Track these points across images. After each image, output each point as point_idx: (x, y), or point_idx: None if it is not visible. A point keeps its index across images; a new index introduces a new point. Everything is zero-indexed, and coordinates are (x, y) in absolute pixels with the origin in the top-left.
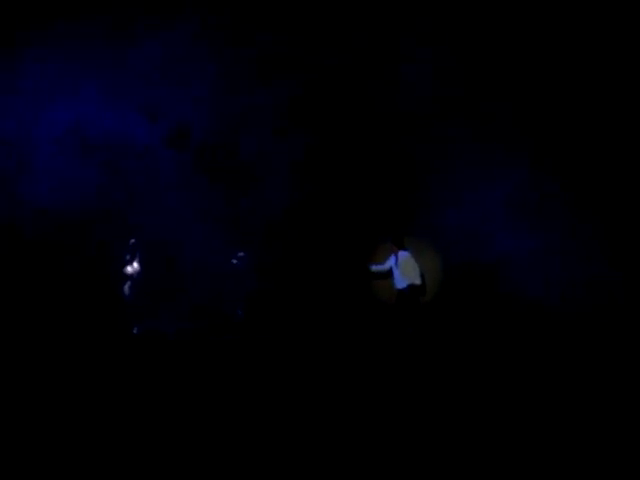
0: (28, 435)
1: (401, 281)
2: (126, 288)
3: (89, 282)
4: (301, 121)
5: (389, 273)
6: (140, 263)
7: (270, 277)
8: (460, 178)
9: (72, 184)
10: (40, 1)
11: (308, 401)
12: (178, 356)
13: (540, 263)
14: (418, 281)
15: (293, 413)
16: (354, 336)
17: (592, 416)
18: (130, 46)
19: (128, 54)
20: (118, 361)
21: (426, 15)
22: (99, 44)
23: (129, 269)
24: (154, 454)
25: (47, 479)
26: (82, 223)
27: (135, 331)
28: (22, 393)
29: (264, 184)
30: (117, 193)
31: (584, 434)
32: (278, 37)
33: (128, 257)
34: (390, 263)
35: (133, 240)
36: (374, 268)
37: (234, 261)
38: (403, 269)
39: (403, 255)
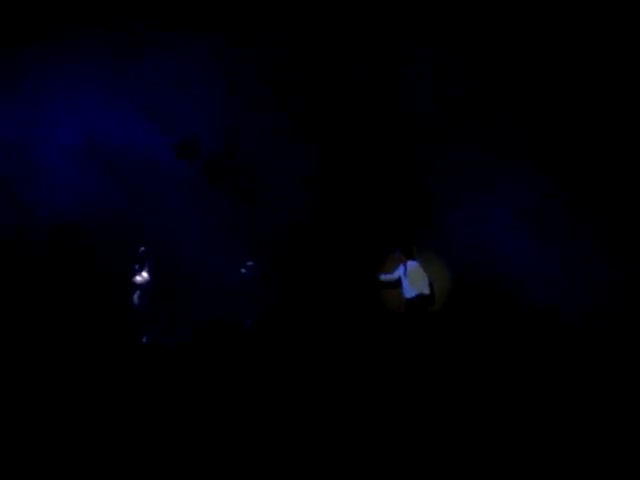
0: (36, 441)
1: (410, 291)
2: (135, 297)
3: (98, 291)
4: (309, 130)
5: (398, 283)
6: (149, 272)
7: (279, 286)
8: (469, 189)
9: (85, 194)
10: (44, 6)
11: (318, 410)
12: (187, 365)
13: (553, 274)
14: (427, 291)
15: (303, 422)
16: (363, 345)
17: (599, 421)
18: (135, 51)
19: (133, 58)
20: (127, 370)
21: (430, 15)
22: (103, 49)
23: (138, 278)
24: (164, 462)
25: None
26: (91, 232)
27: (144, 340)
28: (30, 400)
29: (273, 193)
30: (129, 204)
31: (591, 437)
32: (289, 50)
33: (137, 266)
34: (399, 273)
35: (143, 248)
36: (383, 277)
37: (243, 270)
38: (412, 279)
39: (412, 265)
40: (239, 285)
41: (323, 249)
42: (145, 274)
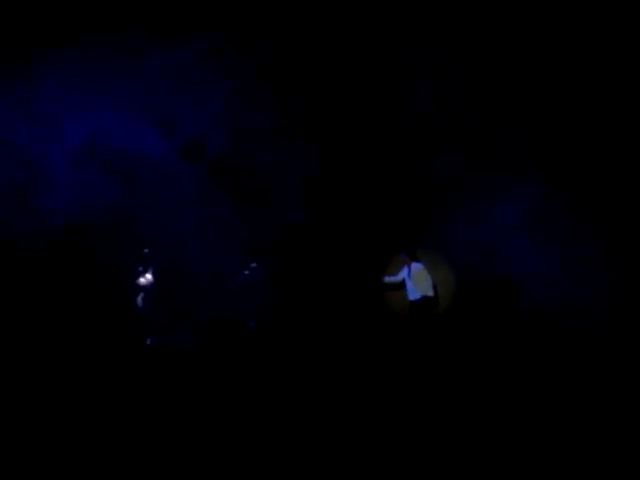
0: (40, 445)
1: (414, 293)
2: (139, 299)
3: (102, 293)
4: (314, 134)
5: (402, 285)
6: (153, 274)
7: (283, 288)
8: (471, 190)
9: (88, 196)
10: (45, 6)
11: (321, 412)
12: (190, 367)
13: (553, 274)
14: (431, 293)
15: (306, 424)
16: (367, 347)
17: (599, 421)
18: (146, 59)
19: (144, 67)
20: (131, 372)
21: (430, 16)
22: (115, 58)
23: (142, 280)
24: (166, 464)
25: None
26: (96, 234)
27: (148, 342)
28: (35, 402)
29: (277, 196)
30: (130, 205)
31: (591, 437)
32: (289, 50)
33: (141, 268)
34: (403, 275)
35: (146, 250)
36: (387, 279)
37: (246, 272)
38: (416, 281)
39: (416, 267)
40: (242, 286)
41: (326, 250)
42: (149, 276)
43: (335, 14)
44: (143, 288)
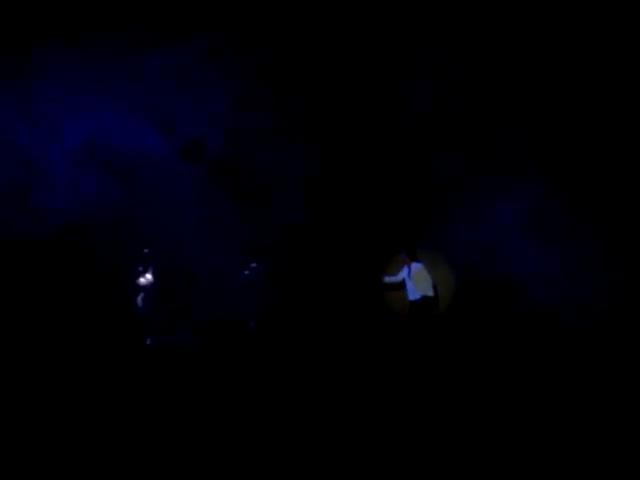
0: (41, 442)
1: (414, 293)
2: (139, 299)
3: (102, 293)
4: (314, 134)
5: (402, 284)
6: (153, 274)
7: (283, 288)
8: (471, 190)
9: (87, 196)
10: (45, 6)
11: (321, 412)
12: (190, 367)
13: (553, 274)
14: (431, 293)
15: (306, 424)
16: (367, 347)
17: (599, 420)
18: (146, 59)
19: (144, 67)
20: (131, 372)
21: (430, 16)
22: (115, 58)
23: (142, 280)
24: (166, 464)
25: None
26: (96, 234)
27: (148, 342)
28: (36, 402)
29: (277, 196)
30: (131, 205)
31: (592, 437)
32: (289, 50)
33: (141, 268)
34: (403, 275)
35: (146, 250)
36: (387, 279)
37: (246, 272)
38: (416, 281)
39: (416, 267)
40: (242, 286)
41: (326, 250)
42: (149, 275)
43: (335, 14)
44: (143, 288)
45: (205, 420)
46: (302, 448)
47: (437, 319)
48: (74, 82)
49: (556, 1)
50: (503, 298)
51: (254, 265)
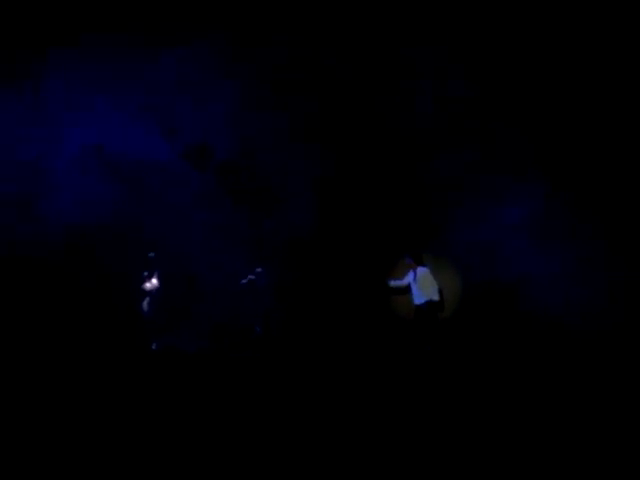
0: (47, 446)
1: (419, 297)
2: (145, 304)
3: (108, 298)
4: (309, 130)
5: (407, 289)
6: (159, 279)
7: (288, 293)
8: (477, 195)
9: (92, 200)
10: (45, 6)
11: (327, 417)
12: (196, 372)
13: (559, 280)
14: (436, 297)
15: (310, 429)
16: (372, 352)
17: (599, 420)
18: (149, 63)
19: (147, 71)
20: (137, 376)
21: (429, 15)
22: (118, 61)
23: (148, 285)
24: (172, 466)
25: None
26: (102, 239)
27: (154, 347)
28: (41, 407)
29: (282, 200)
30: (136, 209)
31: (592, 437)
32: (286, 47)
33: (146, 273)
34: (408, 279)
35: (152, 254)
36: (392, 284)
37: (251, 276)
38: (421, 285)
39: (421, 271)
40: (248, 291)
41: (332, 254)
42: (155, 280)
43: (335, 14)
44: (149, 293)
45: (212, 425)
46: (308, 453)
47: (443, 324)
48: (76, 86)
49: (556, 1)
50: (503, 298)
51: (259, 270)
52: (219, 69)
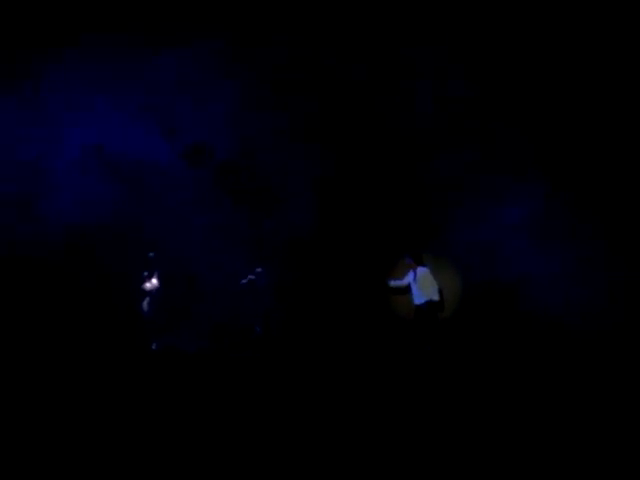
0: (48, 447)
1: (419, 297)
2: (145, 304)
3: (108, 298)
4: (309, 130)
5: (407, 289)
6: (159, 279)
7: (288, 293)
8: (477, 195)
9: (92, 201)
10: (45, 7)
11: (326, 417)
12: (196, 372)
13: (559, 280)
14: (436, 297)
15: (311, 429)
16: (372, 352)
17: (599, 420)
18: (149, 63)
19: (147, 71)
20: (137, 377)
21: (429, 15)
22: (118, 61)
23: (148, 285)
24: (172, 466)
25: None
26: (102, 239)
27: (154, 347)
28: (40, 407)
29: (282, 200)
30: (136, 210)
31: (592, 437)
32: (286, 47)
33: (146, 273)
34: (408, 279)
35: (152, 254)
36: (392, 284)
37: (251, 276)
38: (421, 285)
39: (421, 271)
40: (248, 291)
41: (332, 254)
42: (155, 280)
43: (335, 14)
44: (149, 293)
45: (213, 425)
46: (308, 453)
47: (443, 324)
48: (75, 86)
49: (556, 1)
50: (503, 298)
51: (259, 270)
52: (219, 69)
